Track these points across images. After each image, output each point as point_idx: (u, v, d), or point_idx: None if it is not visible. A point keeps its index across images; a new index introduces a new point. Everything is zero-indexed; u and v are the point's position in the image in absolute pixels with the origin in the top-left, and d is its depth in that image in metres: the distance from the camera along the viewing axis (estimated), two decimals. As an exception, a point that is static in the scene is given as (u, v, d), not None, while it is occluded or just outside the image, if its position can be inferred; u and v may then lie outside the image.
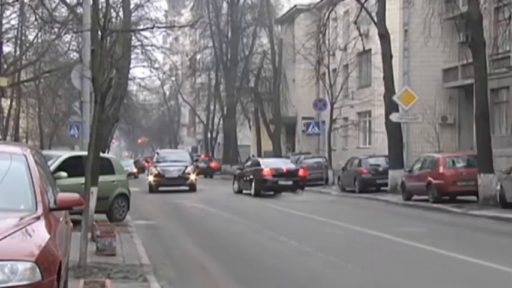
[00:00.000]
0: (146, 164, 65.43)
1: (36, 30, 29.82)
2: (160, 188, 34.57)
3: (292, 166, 33.33)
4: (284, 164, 33.27)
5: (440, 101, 36.62)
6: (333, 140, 42.58)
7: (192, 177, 35.13)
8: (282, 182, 31.41)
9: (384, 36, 30.69)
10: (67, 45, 32.68)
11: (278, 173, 31.48)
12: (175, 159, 36.46)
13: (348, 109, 44.13)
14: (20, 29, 30.86)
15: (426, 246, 13.92)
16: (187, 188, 34.84)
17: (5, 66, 29.49)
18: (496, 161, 25.19)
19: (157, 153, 41.03)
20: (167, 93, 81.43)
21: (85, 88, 18.49)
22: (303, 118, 49.81)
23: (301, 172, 32.64)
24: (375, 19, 31.60)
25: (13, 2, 27.75)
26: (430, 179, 25.32)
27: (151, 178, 35.16)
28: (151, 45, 35.64)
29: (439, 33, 30.69)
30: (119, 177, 19.12)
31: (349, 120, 44.55)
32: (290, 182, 31.55)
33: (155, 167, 35.63)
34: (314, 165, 39.11)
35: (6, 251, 5.42)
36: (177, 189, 34.19)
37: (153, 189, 34.44)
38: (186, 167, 35.26)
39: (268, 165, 32.23)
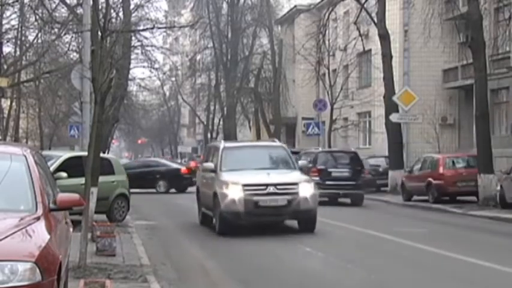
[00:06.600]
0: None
1: (36, 31, 29.73)
2: None
3: None
4: None
5: (440, 102, 36.63)
6: (333, 140, 42.54)
7: None
8: None
9: (384, 37, 30.69)
10: (67, 45, 32.54)
11: None
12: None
13: (348, 109, 44.11)
14: (20, 29, 30.75)
15: (426, 246, 13.93)
16: None
17: (5, 66, 29.41)
18: (496, 161, 25.23)
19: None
20: (167, 93, 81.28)
21: (85, 88, 18.48)
22: (303, 118, 49.80)
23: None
24: (375, 19, 31.60)
25: (13, 2, 27.69)
26: (430, 179, 25.33)
27: None
28: (151, 46, 35.45)
29: (439, 33, 30.69)
30: (119, 177, 19.12)
31: (349, 120, 44.53)
32: None
33: None
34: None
35: (6, 251, 5.42)
36: None
37: None
38: None
39: None
